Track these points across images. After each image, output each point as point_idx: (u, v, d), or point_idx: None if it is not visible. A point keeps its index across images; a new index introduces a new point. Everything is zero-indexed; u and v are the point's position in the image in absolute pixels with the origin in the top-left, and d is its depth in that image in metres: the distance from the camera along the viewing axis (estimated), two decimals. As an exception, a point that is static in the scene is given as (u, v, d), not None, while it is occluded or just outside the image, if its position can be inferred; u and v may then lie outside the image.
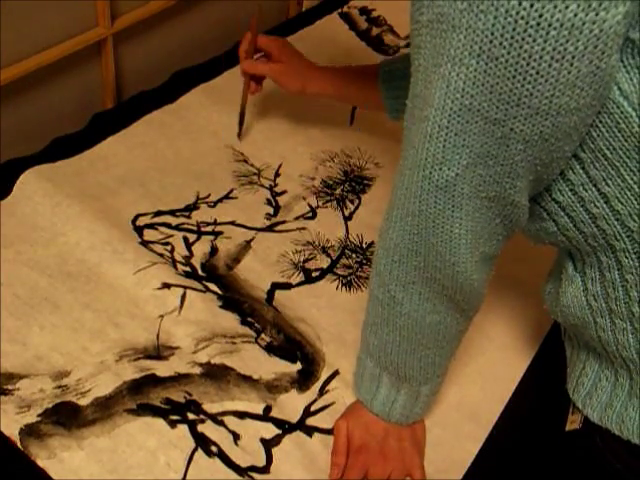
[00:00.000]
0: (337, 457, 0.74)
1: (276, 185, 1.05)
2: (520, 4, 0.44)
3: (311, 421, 0.78)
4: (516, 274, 0.95)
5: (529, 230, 0.65)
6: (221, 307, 0.86)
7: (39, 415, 0.73)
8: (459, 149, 0.52)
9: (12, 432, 0.72)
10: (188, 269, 0.91)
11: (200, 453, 0.73)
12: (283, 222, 1.00)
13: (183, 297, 0.86)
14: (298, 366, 0.82)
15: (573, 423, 0.70)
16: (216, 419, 0.76)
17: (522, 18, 0.45)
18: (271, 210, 1.01)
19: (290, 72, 1.01)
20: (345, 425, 0.76)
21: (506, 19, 0.45)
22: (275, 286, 0.91)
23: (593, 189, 0.55)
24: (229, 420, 0.76)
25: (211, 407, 0.77)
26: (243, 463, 0.73)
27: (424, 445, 0.77)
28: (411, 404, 0.74)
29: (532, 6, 0.44)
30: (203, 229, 0.96)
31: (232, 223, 0.98)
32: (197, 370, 0.80)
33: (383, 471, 0.74)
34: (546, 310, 0.73)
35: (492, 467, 0.78)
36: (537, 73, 0.47)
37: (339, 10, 1.44)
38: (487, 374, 0.86)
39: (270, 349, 0.83)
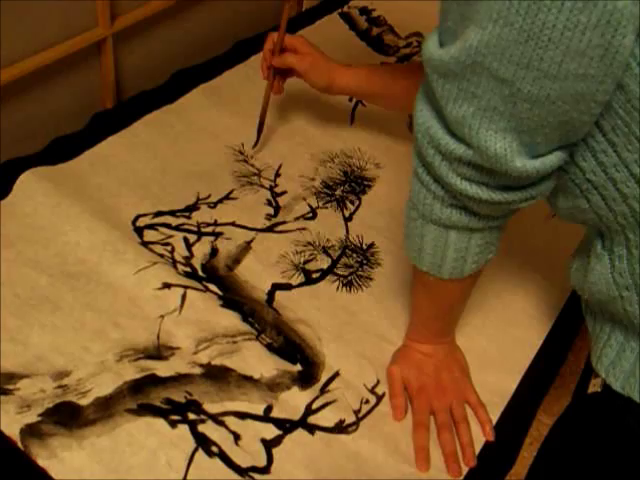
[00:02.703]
0: (396, 399, 0.81)
1: (276, 186, 1.05)
2: None
3: (312, 419, 0.78)
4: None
5: (562, 208, 0.67)
6: (221, 306, 0.86)
7: (40, 415, 0.73)
8: (469, 94, 0.56)
9: (13, 432, 0.72)
10: (188, 269, 0.91)
11: (201, 453, 0.73)
12: (283, 222, 1.00)
13: (183, 297, 0.86)
14: (298, 367, 0.82)
15: (595, 386, 0.73)
16: (217, 419, 0.76)
17: None
18: (271, 211, 1.01)
19: (318, 67, 1.02)
20: (398, 370, 0.83)
21: None
22: (275, 287, 0.91)
23: (625, 170, 0.57)
24: (230, 420, 0.76)
25: (212, 407, 0.77)
26: (244, 463, 0.73)
27: (469, 370, 0.86)
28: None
29: None
30: (203, 230, 0.96)
31: (232, 224, 0.98)
32: (197, 370, 0.80)
33: (446, 403, 0.81)
34: (572, 286, 0.76)
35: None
36: (549, 39, 0.49)
37: (339, 10, 1.44)
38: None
39: (270, 350, 0.83)
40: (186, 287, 0.87)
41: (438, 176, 0.64)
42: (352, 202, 1.05)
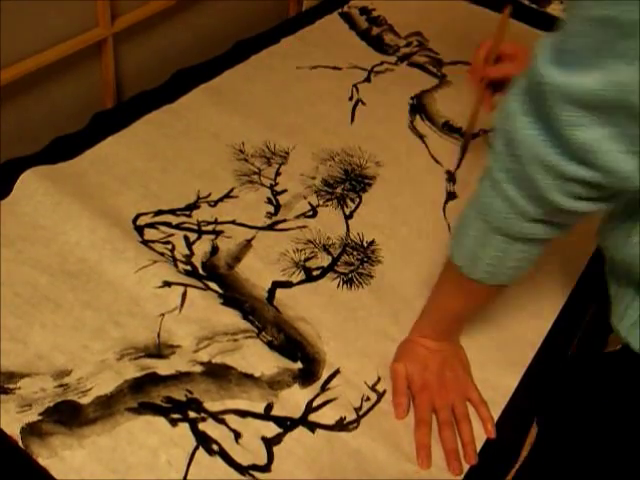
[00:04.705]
0: (399, 397, 0.81)
1: (277, 184, 1.05)
2: None
3: (313, 417, 0.78)
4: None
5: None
6: (222, 305, 0.86)
7: (40, 414, 0.73)
8: (602, 121, 0.53)
9: (13, 431, 0.72)
10: (189, 268, 0.91)
11: (201, 451, 0.73)
12: (284, 221, 1.00)
13: (184, 295, 0.86)
14: (299, 365, 0.82)
15: (612, 345, 0.75)
16: (217, 417, 0.76)
17: None
18: (272, 209, 1.01)
19: None
20: (402, 368, 0.83)
21: None
22: (276, 285, 0.91)
23: None
24: (230, 418, 0.76)
25: (212, 405, 0.77)
26: (244, 462, 0.73)
27: (470, 368, 0.86)
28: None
29: None
30: (204, 228, 0.96)
31: (233, 222, 0.98)
32: (198, 369, 0.80)
33: (448, 401, 0.81)
34: (598, 243, 0.74)
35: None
36: None
37: (339, 10, 1.44)
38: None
39: (271, 348, 0.83)
40: (186, 285, 0.87)
41: (539, 195, 0.61)
42: (352, 200, 1.05)
